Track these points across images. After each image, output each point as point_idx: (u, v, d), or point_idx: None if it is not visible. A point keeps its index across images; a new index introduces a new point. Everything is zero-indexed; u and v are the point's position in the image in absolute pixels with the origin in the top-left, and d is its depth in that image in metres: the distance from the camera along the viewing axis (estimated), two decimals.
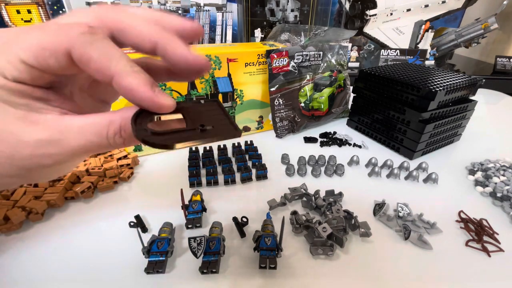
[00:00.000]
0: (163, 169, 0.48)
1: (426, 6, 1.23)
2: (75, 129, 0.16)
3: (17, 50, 0.15)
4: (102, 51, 0.15)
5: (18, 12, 1.08)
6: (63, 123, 0.16)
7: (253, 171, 0.46)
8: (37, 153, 0.15)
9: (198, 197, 0.38)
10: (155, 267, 0.29)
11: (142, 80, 0.16)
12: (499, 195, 0.42)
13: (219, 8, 1.21)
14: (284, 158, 0.50)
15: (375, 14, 1.23)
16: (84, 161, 0.46)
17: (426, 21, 1.25)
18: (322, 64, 0.61)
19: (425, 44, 1.28)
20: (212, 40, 1.23)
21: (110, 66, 0.15)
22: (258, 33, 1.31)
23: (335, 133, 0.61)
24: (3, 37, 0.15)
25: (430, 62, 1.28)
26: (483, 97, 0.86)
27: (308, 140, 0.58)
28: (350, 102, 0.65)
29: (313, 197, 0.39)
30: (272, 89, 0.56)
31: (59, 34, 0.15)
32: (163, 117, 0.18)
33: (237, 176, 0.45)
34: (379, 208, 0.38)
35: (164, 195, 0.42)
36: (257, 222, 0.36)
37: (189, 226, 0.35)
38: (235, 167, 0.48)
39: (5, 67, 0.15)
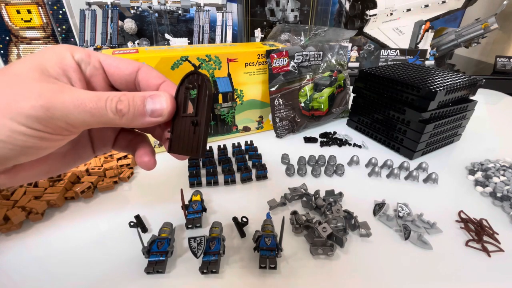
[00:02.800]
0: (163, 169, 0.48)
1: (426, 6, 1.23)
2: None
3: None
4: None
5: (18, 12, 1.08)
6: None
7: (253, 171, 0.46)
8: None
9: (198, 197, 0.38)
10: (155, 267, 0.29)
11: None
12: (499, 195, 0.41)
13: (219, 8, 1.21)
14: (284, 158, 0.50)
15: (375, 14, 1.23)
16: None
17: (426, 21, 1.25)
18: (322, 64, 0.61)
19: (425, 44, 1.28)
20: (212, 40, 1.23)
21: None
22: (258, 33, 1.31)
23: (335, 133, 0.61)
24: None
25: (430, 62, 1.28)
26: (483, 97, 0.86)
27: (308, 140, 0.58)
28: (350, 102, 0.65)
29: (313, 197, 0.39)
30: (272, 89, 0.56)
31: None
32: None
33: (237, 176, 0.45)
34: (379, 208, 0.38)
35: (164, 195, 0.42)
36: (257, 222, 0.36)
37: (189, 226, 0.35)
38: (235, 167, 0.48)
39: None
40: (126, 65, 0.23)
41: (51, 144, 0.19)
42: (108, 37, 1.15)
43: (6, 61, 1.12)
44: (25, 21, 1.10)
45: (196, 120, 0.22)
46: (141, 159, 0.24)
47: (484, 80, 0.56)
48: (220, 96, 0.53)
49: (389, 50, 1.20)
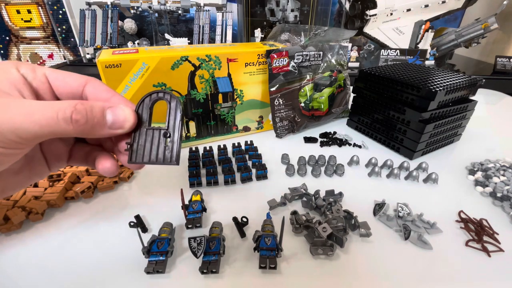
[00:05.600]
0: (163, 169, 0.48)
1: (426, 6, 1.23)
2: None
3: None
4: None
5: (18, 12, 1.08)
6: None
7: (253, 171, 0.46)
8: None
9: (198, 197, 0.38)
10: (155, 267, 0.29)
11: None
12: (499, 195, 0.42)
13: (219, 8, 1.21)
14: (284, 158, 0.50)
15: (375, 14, 1.23)
16: None
17: (426, 21, 1.26)
18: (322, 64, 0.61)
19: (425, 44, 1.28)
20: (212, 40, 1.24)
21: None
22: (258, 33, 1.31)
23: (335, 133, 0.61)
24: None
25: (430, 62, 1.28)
26: (483, 97, 0.86)
27: (308, 140, 0.58)
28: (350, 102, 0.65)
29: (313, 197, 0.39)
30: (272, 89, 0.56)
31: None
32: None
33: (237, 176, 0.45)
34: (379, 208, 0.39)
35: (164, 195, 0.42)
36: (257, 222, 0.36)
37: (189, 226, 0.35)
38: (235, 167, 0.48)
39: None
40: (73, 79, 0.23)
41: (5, 158, 0.19)
42: (108, 37, 1.15)
43: None
44: (25, 21, 1.10)
45: (170, 133, 0.24)
46: (103, 165, 0.24)
47: (484, 80, 0.56)
48: (220, 96, 0.53)
49: (389, 50, 1.20)
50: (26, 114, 0.17)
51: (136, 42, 1.23)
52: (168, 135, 0.24)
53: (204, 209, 0.37)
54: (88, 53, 1.23)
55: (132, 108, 0.23)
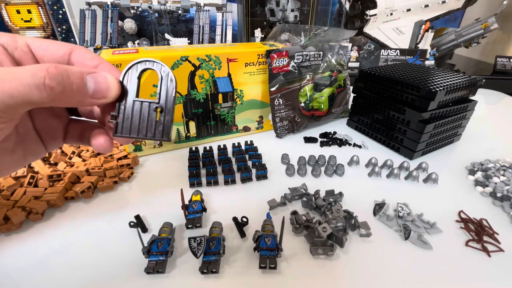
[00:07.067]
0: (163, 169, 0.48)
1: (426, 6, 1.23)
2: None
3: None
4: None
5: (18, 12, 1.08)
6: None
7: (253, 171, 0.46)
8: None
9: (198, 197, 0.38)
10: (155, 267, 0.29)
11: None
12: (499, 195, 0.42)
13: (219, 8, 1.21)
14: (284, 158, 0.50)
15: (375, 14, 1.23)
16: (84, 161, 0.46)
17: (426, 21, 1.25)
18: (322, 64, 0.61)
19: (425, 44, 1.28)
20: (212, 40, 1.24)
21: None
22: (258, 33, 1.31)
23: (335, 133, 0.61)
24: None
25: (430, 62, 1.28)
26: (483, 97, 0.86)
27: (308, 140, 0.58)
28: (350, 102, 0.65)
29: (313, 197, 0.39)
30: (272, 89, 0.56)
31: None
32: None
33: (237, 176, 0.45)
34: (379, 208, 0.39)
35: (164, 195, 0.42)
36: (257, 222, 0.36)
37: (189, 226, 0.35)
38: (235, 167, 0.48)
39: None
40: (57, 47, 0.21)
41: None
42: (108, 37, 1.15)
43: None
44: (25, 21, 1.10)
45: (162, 107, 0.22)
46: (96, 141, 0.23)
47: (484, 80, 0.56)
48: (220, 96, 0.53)
49: (389, 50, 1.20)
50: None
51: (136, 42, 1.23)
52: (160, 109, 0.22)
53: (204, 209, 0.37)
54: None
55: (116, 75, 0.21)
